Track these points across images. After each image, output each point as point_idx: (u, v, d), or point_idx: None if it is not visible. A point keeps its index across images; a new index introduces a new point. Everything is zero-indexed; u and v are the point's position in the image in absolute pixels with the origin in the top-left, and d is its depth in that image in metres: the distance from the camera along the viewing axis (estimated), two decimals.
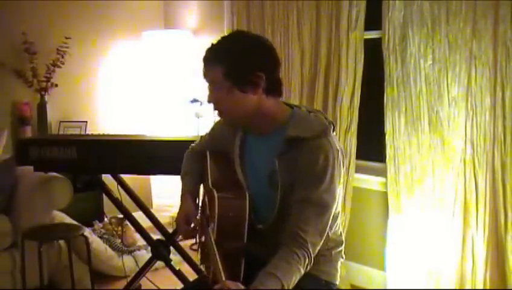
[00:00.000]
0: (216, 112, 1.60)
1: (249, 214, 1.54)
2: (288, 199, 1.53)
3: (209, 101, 1.59)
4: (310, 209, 1.48)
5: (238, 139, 1.68)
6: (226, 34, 1.62)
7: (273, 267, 1.40)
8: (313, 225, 1.48)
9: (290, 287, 1.40)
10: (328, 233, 1.60)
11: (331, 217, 1.53)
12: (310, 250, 1.46)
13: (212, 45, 1.57)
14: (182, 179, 1.87)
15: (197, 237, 1.81)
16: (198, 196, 1.83)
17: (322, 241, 1.51)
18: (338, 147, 1.53)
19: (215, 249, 1.46)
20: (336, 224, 1.67)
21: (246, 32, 1.66)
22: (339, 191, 1.56)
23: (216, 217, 1.50)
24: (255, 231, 1.60)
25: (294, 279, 1.41)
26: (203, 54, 1.57)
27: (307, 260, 1.45)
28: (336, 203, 1.55)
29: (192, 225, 1.73)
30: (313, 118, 1.57)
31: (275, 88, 1.57)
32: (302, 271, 1.44)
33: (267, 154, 1.58)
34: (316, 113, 1.60)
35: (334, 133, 1.58)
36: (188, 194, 1.78)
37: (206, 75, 1.57)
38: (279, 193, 1.55)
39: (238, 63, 1.51)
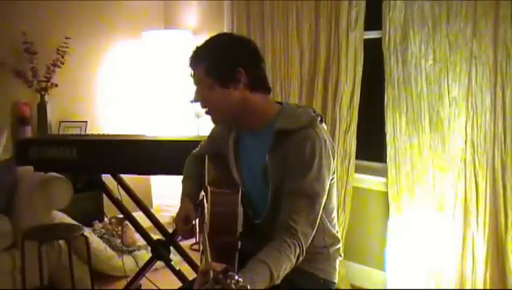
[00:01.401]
0: (204, 111, 1.66)
1: (245, 210, 1.56)
2: (280, 192, 1.55)
3: (195, 100, 1.66)
4: (300, 200, 1.50)
5: (232, 138, 1.73)
6: (210, 36, 1.68)
7: (263, 255, 1.41)
8: (303, 215, 1.50)
9: (280, 276, 1.41)
10: (325, 227, 1.63)
11: (321, 207, 1.55)
12: (301, 239, 1.47)
13: (197, 46, 1.64)
14: (182, 182, 1.92)
15: (198, 237, 1.83)
16: (197, 198, 1.85)
17: (314, 231, 1.52)
18: (326, 138, 1.56)
19: (205, 234, 1.50)
20: (332, 218, 1.68)
21: (229, 33, 1.76)
22: (331, 182, 1.59)
23: (209, 212, 1.53)
24: (252, 227, 1.62)
25: (285, 267, 1.42)
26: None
27: (298, 249, 1.46)
28: (326, 193, 1.56)
29: (191, 225, 1.75)
30: (300, 111, 1.61)
31: (259, 84, 1.62)
32: (294, 260, 1.45)
33: (259, 150, 1.61)
34: (304, 108, 1.65)
35: (324, 125, 1.61)
36: (187, 196, 1.82)
37: (192, 75, 1.65)
38: (270, 187, 1.57)
39: (218, 60, 1.58)
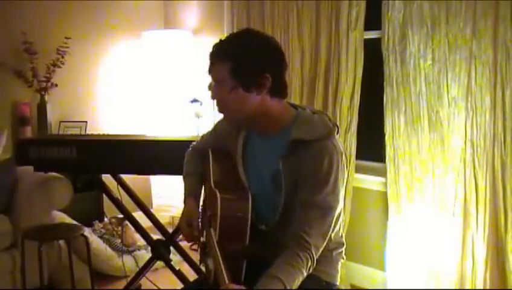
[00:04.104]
0: (217, 108, 1.59)
1: (251, 215, 1.53)
2: (292, 200, 1.52)
3: (212, 98, 1.57)
4: (314, 212, 1.48)
5: (241, 138, 1.67)
6: (234, 32, 1.59)
7: (276, 270, 1.40)
8: (316, 227, 1.48)
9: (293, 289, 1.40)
10: (330, 234, 1.61)
11: (334, 219, 1.53)
12: (313, 253, 1.46)
13: (221, 41, 1.54)
14: (184, 179, 1.85)
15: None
16: (200, 196, 1.82)
17: (325, 243, 1.51)
18: (342, 150, 1.53)
19: (218, 251, 1.44)
20: (337, 225, 1.66)
21: (256, 31, 1.62)
22: (342, 194, 1.56)
23: (218, 218, 1.49)
24: (257, 232, 1.59)
25: (297, 282, 1.42)
26: (210, 49, 1.55)
27: (310, 262, 1.46)
28: (339, 205, 1.54)
29: (195, 228, 1.71)
30: (317, 120, 1.56)
31: (280, 90, 1.55)
32: (305, 274, 1.45)
33: (270, 155, 1.57)
34: (320, 115, 1.59)
35: (338, 136, 1.57)
36: (191, 196, 1.77)
37: (212, 71, 1.55)
38: (283, 195, 1.54)
39: (246, 62, 1.49)
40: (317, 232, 1.47)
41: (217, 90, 1.54)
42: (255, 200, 1.57)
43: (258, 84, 1.50)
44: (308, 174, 1.49)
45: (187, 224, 1.70)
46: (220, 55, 1.52)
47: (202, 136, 1.91)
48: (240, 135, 1.67)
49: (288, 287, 1.37)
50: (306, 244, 1.45)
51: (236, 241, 1.49)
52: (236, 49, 1.51)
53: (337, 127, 1.57)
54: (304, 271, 1.44)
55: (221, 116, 1.67)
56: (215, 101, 1.58)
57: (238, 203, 1.54)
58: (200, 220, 1.76)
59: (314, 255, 1.46)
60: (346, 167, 1.55)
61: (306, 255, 1.44)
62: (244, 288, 1.25)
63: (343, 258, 1.75)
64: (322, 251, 1.57)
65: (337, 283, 1.73)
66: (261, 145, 1.64)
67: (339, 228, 1.69)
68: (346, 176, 1.56)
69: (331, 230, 1.53)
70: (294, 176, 1.52)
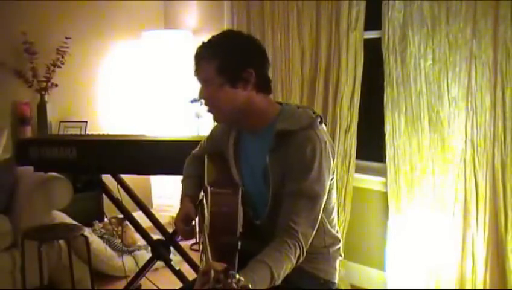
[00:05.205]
0: (207, 109, 1.64)
1: (245, 211, 1.56)
2: (280, 194, 1.55)
3: (200, 97, 1.64)
4: (300, 201, 1.51)
5: (232, 138, 1.72)
6: (217, 33, 1.65)
7: (263, 255, 1.42)
8: (303, 216, 1.50)
9: (281, 276, 1.41)
10: (325, 227, 1.63)
11: (321, 208, 1.55)
12: (301, 240, 1.48)
13: (204, 42, 1.61)
14: (182, 182, 1.90)
15: (198, 237, 1.82)
16: (197, 198, 1.84)
17: (314, 232, 1.53)
18: (326, 139, 1.56)
19: (206, 234, 1.49)
20: (331, 219, 1.68)
21: (237, 31, 1.72)
22: (331, 183, 1.59)
23: (209, 212, 1.53)
24: (253, 227, 1.63)
25: (285, 268, 1.43)
26: (195, 51, 1.61)
27: (298, 250, 1.47)
28: (326, 194, 1.57)
29: (191, 225, 1.74)
30: (301, 112, 1.61)
31: (264, 85, 1.61)
32: (294, 261, 1.46)
33: (260, 150, 1.61)
34: (304, 108, 1.64)
35: (323, 126, 1.62)
36: (187, 196, 1.81)
37: (198, 71, 1.62)
38: (270, 188, 1.57)
39: (230, 59, 1.56)
40: (304, 221, 1.50)
41: (205, 90, 1.60)
42: (250, 196, 1.62)
43: (243, 80, 1.56)
44: (293, 163, 1.53)
45: (183, 222, 1.73)
46: (206, 55, 1.59)
47: (200, 144, 1.97)
48: (231, 135, 1.72)
49: (275, 272, 1.38)
50: (294, 232, 1.47)
51: (227, 234, 1.51)
52: (221, 48, 1.58)
53: (321, 117, 1.61)
54: (293, 258, 1.45)
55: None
56: (203, 100, 1.63)
57: (227, 197, 1.58)
58: (197, 220, 1.77)
59: (303, 243, 1.48)
60: (333, 157, 1.58)
61: (294, 242, 1.46)
62: (225, 265, 1.26)
63: (340, 256, 1.75)
64: (318, 248, 1.60)
65: (336, 281, 1.73)
66: (250, 142, 1.68)
67: (334, 223, 1.70)
68: (332, 165, 1.58)
69: (319, 219, 1.55)
70: (281, 169, 1.55)
